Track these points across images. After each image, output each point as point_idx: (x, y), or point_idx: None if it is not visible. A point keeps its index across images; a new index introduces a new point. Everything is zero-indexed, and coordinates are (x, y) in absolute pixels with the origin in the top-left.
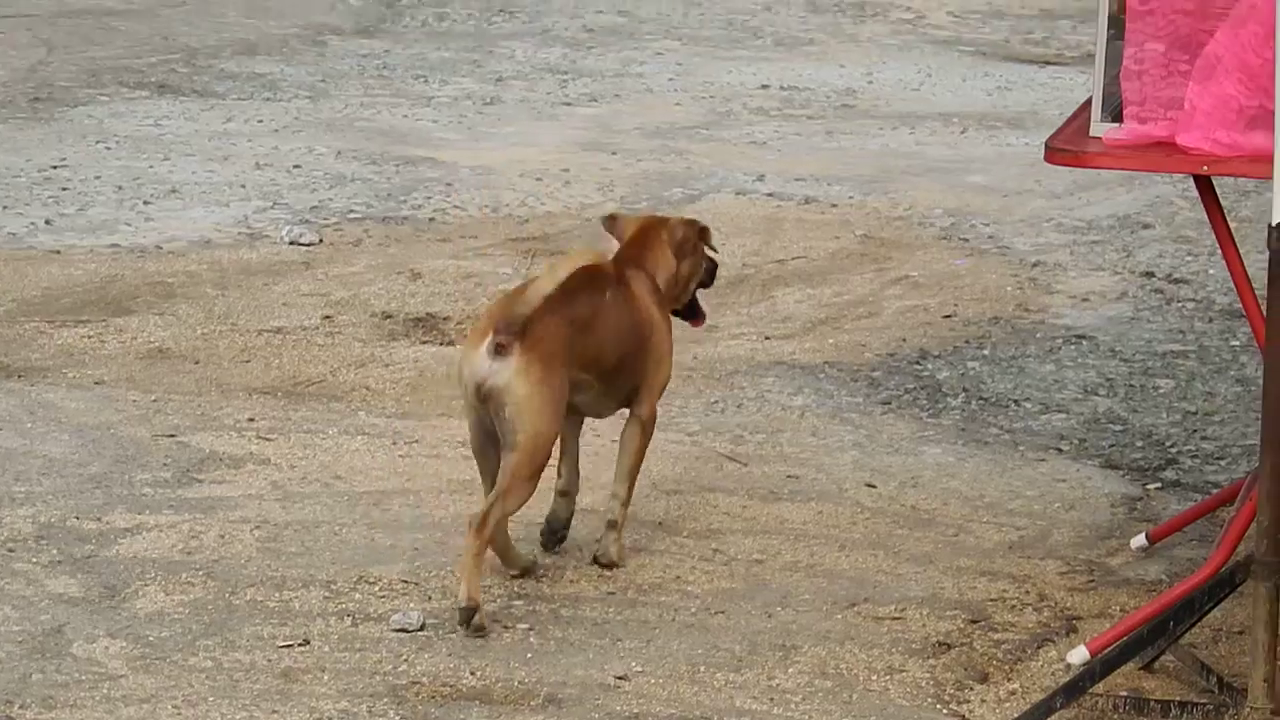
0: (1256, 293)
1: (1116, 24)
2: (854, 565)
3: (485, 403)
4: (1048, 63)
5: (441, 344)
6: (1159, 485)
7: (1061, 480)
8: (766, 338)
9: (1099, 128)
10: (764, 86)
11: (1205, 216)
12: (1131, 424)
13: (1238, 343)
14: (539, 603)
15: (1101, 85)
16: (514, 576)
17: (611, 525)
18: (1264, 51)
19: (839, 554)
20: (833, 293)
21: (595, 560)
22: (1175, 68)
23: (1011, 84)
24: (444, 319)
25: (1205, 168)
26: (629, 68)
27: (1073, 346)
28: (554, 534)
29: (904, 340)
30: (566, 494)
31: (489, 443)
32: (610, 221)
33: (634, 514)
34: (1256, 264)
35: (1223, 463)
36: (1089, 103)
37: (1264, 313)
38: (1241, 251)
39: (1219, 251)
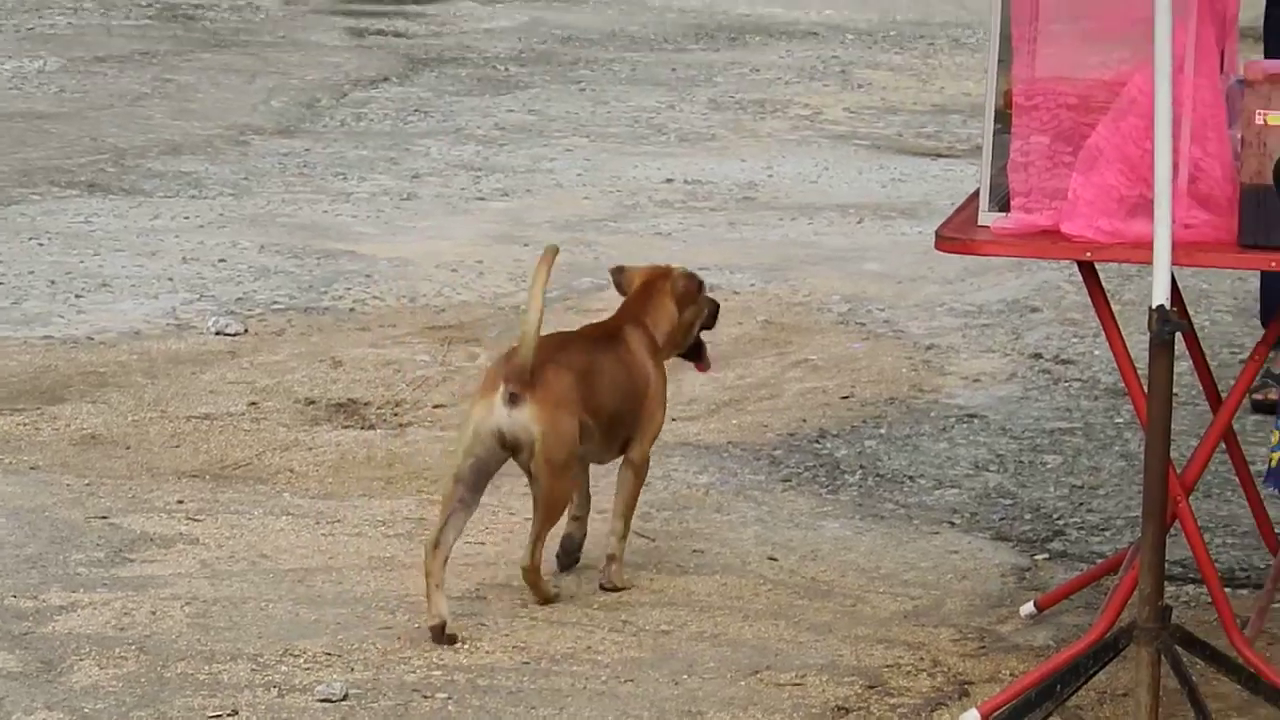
0: (1138, 372)
1: (1003, 118)
2: (756, 634)
3: (507, 448)
4: (939, 155)
5: (362, 428)
6: (1047, 556)
7: (954, 552)
8: (673, 419)
9: (987, 217)
10: (668, 180)
11: (1090, 300)
12: (1020, 498)
13: (1121, 419)
14: (457, 672)
15: (989, 177)
16: (538, 602)
17: (611, 558)
18: (1143, 143)
19: (742, 624)
20: (736, 376)
21: (602, 586)
22: (1059, 159)
23: (905, 176)
24: (364, 404)
25: (1089, 254)
26: (539, 164)
27: (965, 425)
28: (569, 554)
29: (804, 420)
30: (579, 519)
31: (477, 481)
32: (617, 273)
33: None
34: (1138, 345)
35: (1107, 534)
36: (977, 193)
37: (1145, 390)
38: (1124, 333)
39: (1103, 334)
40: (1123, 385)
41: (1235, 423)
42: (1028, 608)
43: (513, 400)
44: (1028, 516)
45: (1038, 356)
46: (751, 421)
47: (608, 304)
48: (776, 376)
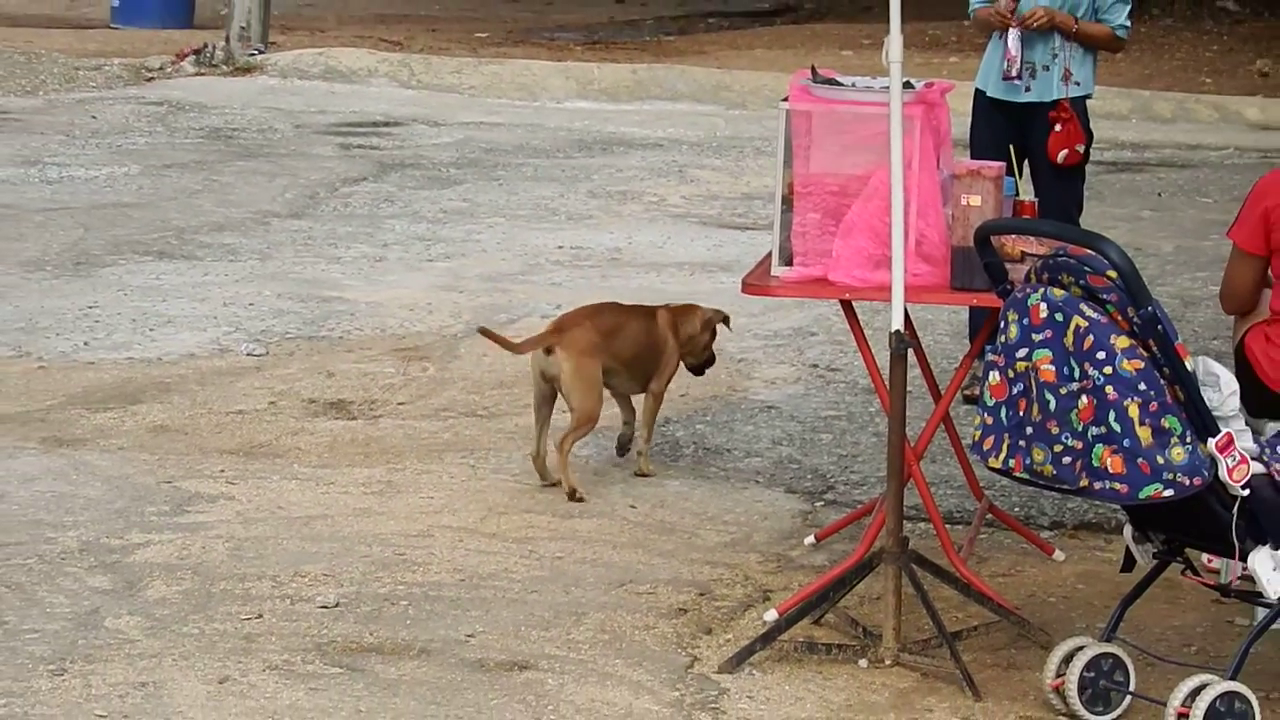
0: (883, 376)
1: (787, 202)
2: (622, 559)
3: (549, 381)
4: (746, 229)
5: (348, 419)
6: (823, 503)
7: (759, 501)
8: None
9: (778, 270)
10: (560, 247)
11: (849, 327)
12: (804, 464)
13: (874, 409)
14: (414, 587)
15: (779, 242)
16: (547, 485)
17: (640, 454)
18: (884, 218)
19: (612, 551)
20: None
21: (636, 472)
22: (827, 229)
23: (723, 243)
24: (350, 403)
25: (848, 295)
26: (471, 236)
27: (765, 414)
28: (623, 446)
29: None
30: (628, 423)
31: (544, 404)
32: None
33: (475, 530)
34: (884, 357)
35: (864, 488)
36: (770, 254)
37: (888, 388)
38: (874, 350)
39: (859, 350)
40: (873, 385)
41: (951, 410)
42: (809, 539)
43: (548, 352)
44: (809, 477)
45: (815, 366)
46: (616, 411)
47: (518, 333)
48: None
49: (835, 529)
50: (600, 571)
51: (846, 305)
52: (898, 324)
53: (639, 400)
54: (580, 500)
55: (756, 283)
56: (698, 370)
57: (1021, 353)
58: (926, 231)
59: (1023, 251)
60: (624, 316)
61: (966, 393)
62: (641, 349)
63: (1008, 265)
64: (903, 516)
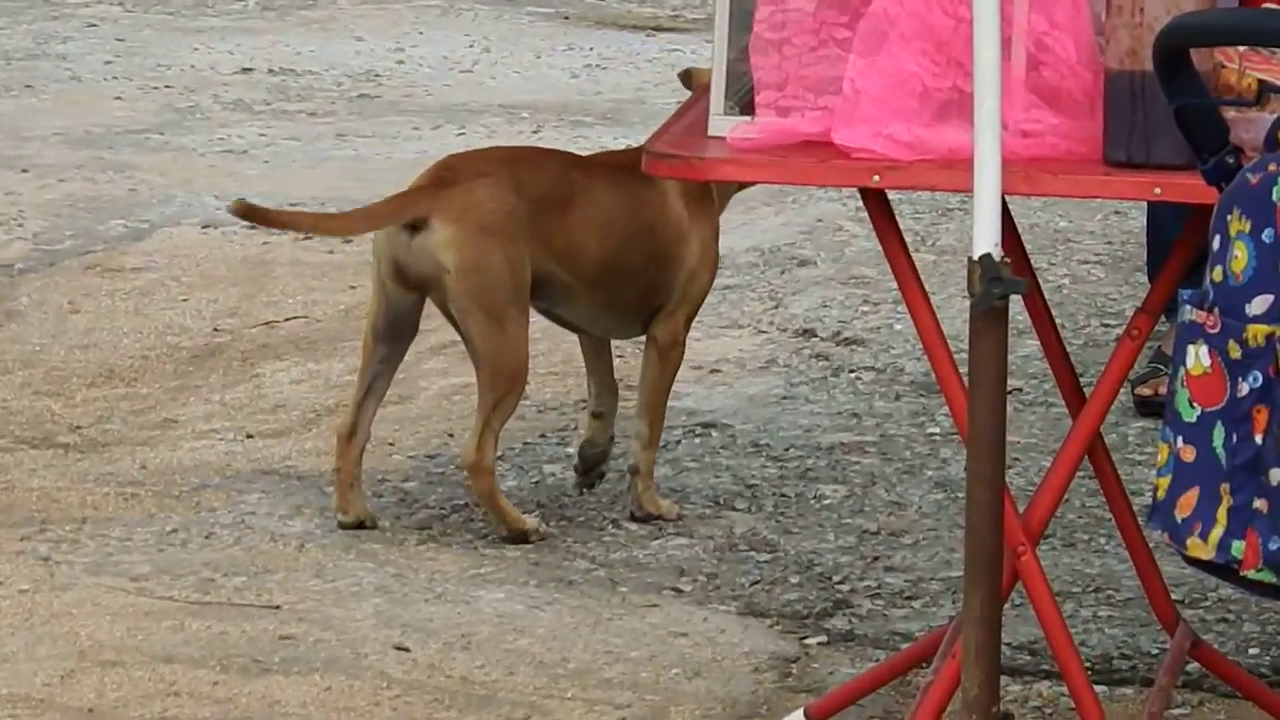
0: (957, 358)
1: None
2: None
3: (414, 288)
4: (657, 29)
5: None
6: (824, 639)
7: (681, 634)
8: (249, 436)
9: (722, 123)
10: (246, 70)
11: (882, 249)
12: (784, 550)
13: (936, 429)
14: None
15: (725, 62)
16: (505, 539)
17: (634, 471)
18: (956, 8)
19: None
20: (346, 368)
21: (632, 516)
22: (830, 34)
23: (607, 60)
24: None
25: (876, 178)
26: (47, 45)
27: (697, 440)
28: (586, 469)
29: (451, 435)
30: (600, 417)
31: (388, 333)
32: (685, 77)
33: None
34: (959, 315)
35: (915, 604)
36: (701, 94)
37: (967, 386)
38: (937, 299)
39: (903, 300)
40: (935, 378)
41: (1107, 432)
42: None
43: (411, 228)
44: (794, 579)
45: (808, 334)
46: (370, 437)
47: (145, 261)
48: (408, 367)
49: (851, 698)
50: None
51: (875, 201)
52: (988, 243)
53: (623, 362)
54: (539, 539)
55: (677, 152)
56: None
57: (1261, 306)
58: (1051, 39)
59: (1260, 82)
60: (580, 171)
61: (1143, 391)
62: (623, 237)
63: (1228, 114)
64: (998, 670)
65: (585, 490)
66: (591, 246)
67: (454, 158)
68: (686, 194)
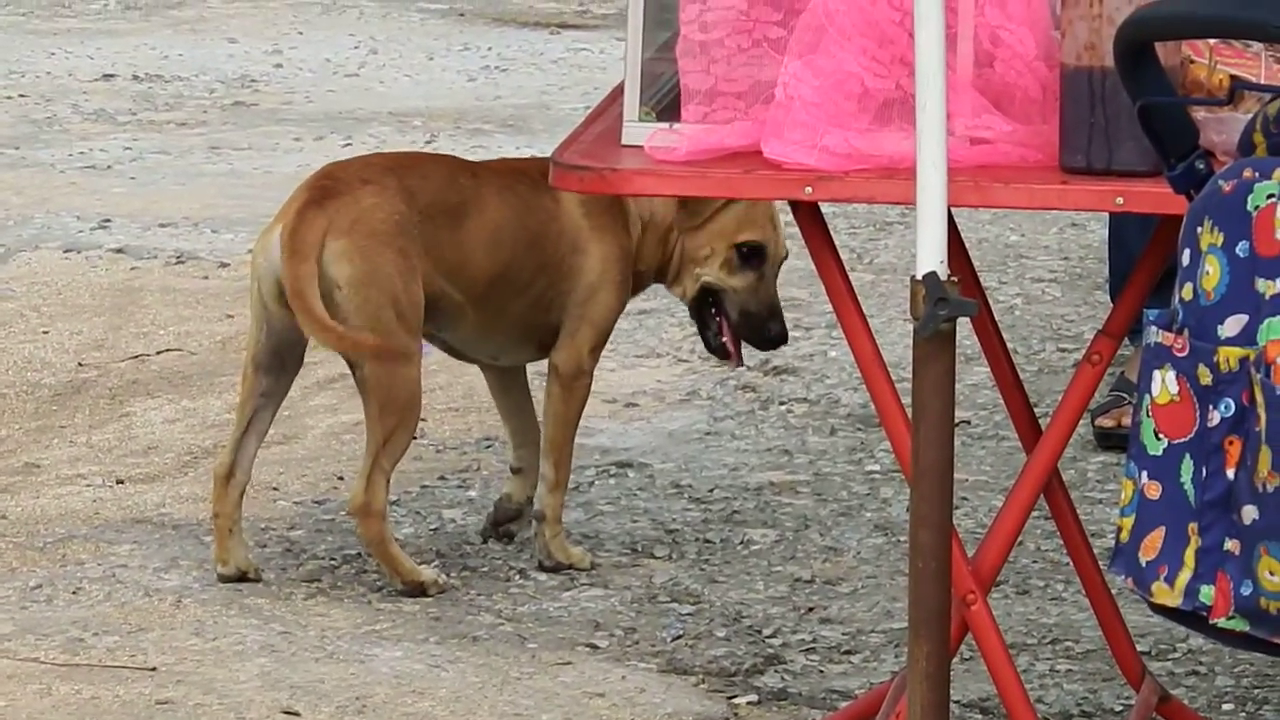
0: (899, 387)
1: None
2: None
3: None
4: (563, 26)
5: None
6: (754, 698)
7: (598, 695)
8: (119, 481)
9: (637, 131)
10: (108, 76)
11: (815, 268)
12: (709, 601)
13: (876, 467)
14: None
15: (639, 62)
16: (400, 592)
17: (541, 517)
18: (903, 1)
19: None
20: (224, 405)
21: (541, 565)
22: (762, 32)
23: (508, 61)
24: None
25: (808, 189)
26: None
27: (611, 480)
28: (497, 524)
29: (340, 479)
30: (519, 471)
31: (271, 363)
32: None
33: None
34: (900, 339)
35: (855, 659)
36: (614, 94)
37: (910, 419)
38: (878, 322)
39: (839, 323)
40: (875, 410)
41: (1065, 467)
42: None
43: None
44: (721, 633)
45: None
46: (253, 480)
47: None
48: (294, 403)
49: None
50: None
51: (807, 215)
52: (933, 260)
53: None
54: (439, 591)
55: (588, 164)
56: (758, 335)
57: (1234, 327)
58: (1004, 33)
59: (1232, 78)
60: (468, 175)
61: (1104, 423)
62: (513, 246)
63: (1198, 114)
64: None
65: (500, 534)
66: (481, 258)
67: (333, 166)
68: (586, 201)
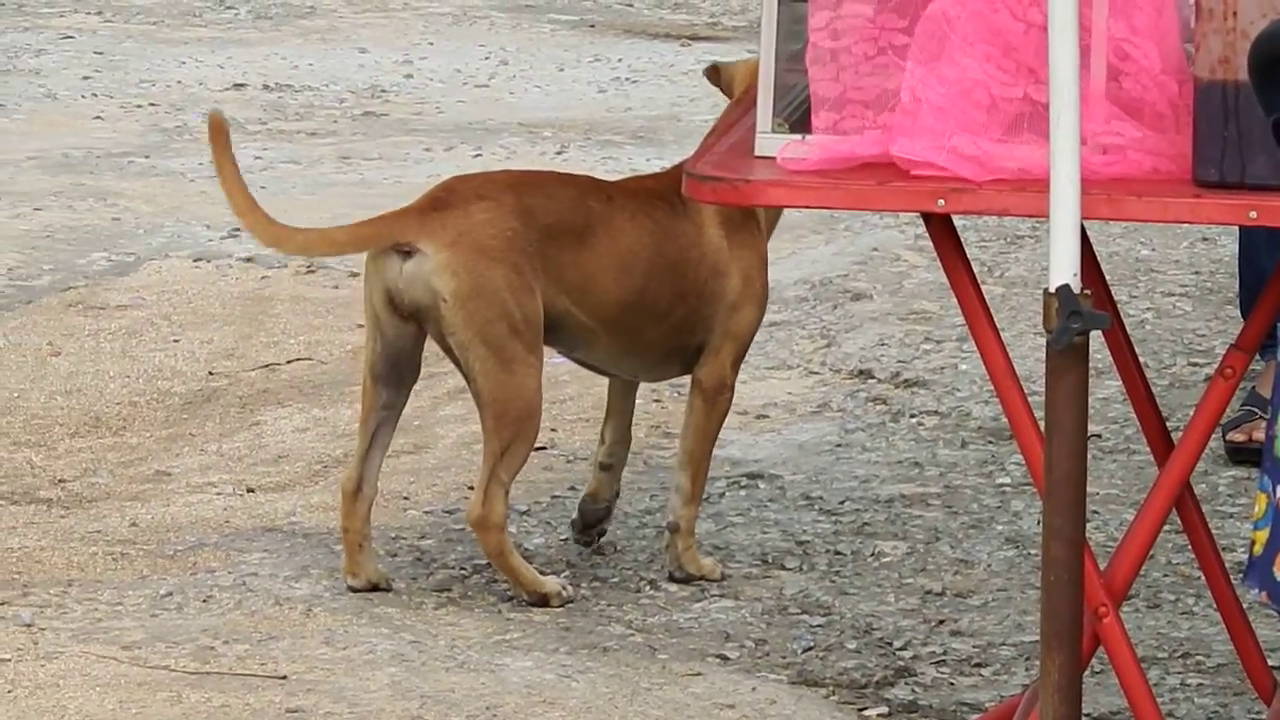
0: (1031, 401)
1: None
2: None
3: (411, 320)
4: (693, 38)
5: None
6: (884, 710)
7: (728, 706)
8: (249, 489)
9: (770, 142)
10: (238, 86)
11: (947, 279)
12: (840, 613)
13: (1007, 480)
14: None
15: (772, 74)
16: (529, 602)
17: (674, 528)
18: (1026, 11)
19: None
20: (354, 415)
21: (672, 577)
22: (888, 40)
23: (637, 73)
24: None
25: (942, 201)
26: (18, 59)
27: (742, 492)
28: (586, 526)
29: (470, 488)
30: (608, 469)
31: (388, 375)
32: (714, 75)
33: None
34: (1032, 353)
35: (985, 671)
36: (743, 110)
37: (1043, 432)
38: (1008, 335)
39: (970, 336)
40: (1007, 422)
41: (1196, 481)
42: None
43: (404, 253)
44: (852, 645)
45: (864, 375)
46: (383, 489)
47: (132, 298)
48: (423, 414)
49: None
50: None
51: (939, 226)
52: (1066, 273)
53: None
54: (562, 603)
55: (722, 175)
56: None
57: None
58: (1132, 45)
59: None
60: (598, 198)
61: (1235, 437)
62: (647, 274)
63: None
64: None
65: (587, 544)
66: (608, 283)
67: (455, 180)
68: (726, 221)
